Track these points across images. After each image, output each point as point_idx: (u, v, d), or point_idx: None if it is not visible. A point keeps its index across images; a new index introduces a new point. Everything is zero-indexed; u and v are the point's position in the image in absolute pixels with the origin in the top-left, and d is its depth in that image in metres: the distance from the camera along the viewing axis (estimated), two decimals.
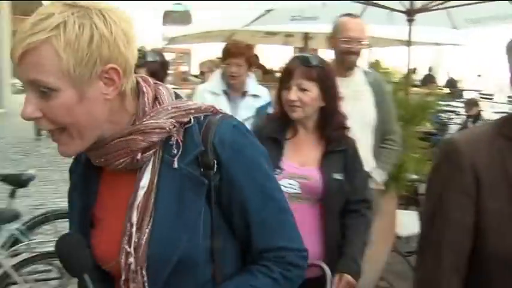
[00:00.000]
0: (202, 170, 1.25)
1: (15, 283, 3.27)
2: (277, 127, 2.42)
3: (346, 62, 3.15)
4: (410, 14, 5.81)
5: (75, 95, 1.12)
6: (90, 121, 1.17)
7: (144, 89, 1.26)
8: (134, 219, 1.23)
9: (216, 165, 1.25)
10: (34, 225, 3.88)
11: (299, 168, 2.35)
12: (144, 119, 1.23)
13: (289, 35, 12.33)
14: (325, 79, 2.35)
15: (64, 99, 1.12)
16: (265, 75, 12.62)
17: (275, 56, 21.76)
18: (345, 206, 2.39)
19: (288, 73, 2.36)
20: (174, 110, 1.26)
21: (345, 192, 2.36)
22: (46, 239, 3.69)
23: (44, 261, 3.68)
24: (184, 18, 28.52)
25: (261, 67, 14.22)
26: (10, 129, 12.78)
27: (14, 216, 3.66)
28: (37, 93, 1.12)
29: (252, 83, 3.81)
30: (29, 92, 1.13)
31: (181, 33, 13.47)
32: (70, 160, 1.42)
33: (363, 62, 3.42)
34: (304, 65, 2.32)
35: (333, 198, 2.34)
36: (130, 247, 1.22)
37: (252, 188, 1.29)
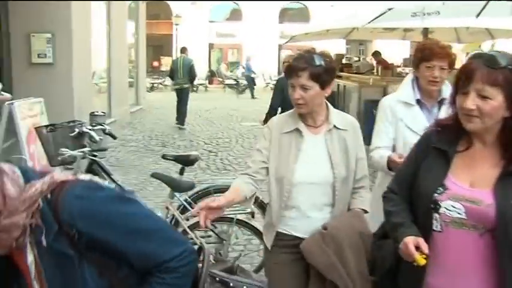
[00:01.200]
0: (69, 240, 1.49)
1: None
2: (447, 136, 2.06)
3: None
4: None
5: None
6: None
7: None
8: (36, 287, 1.56)
9: (76, 233, 1.49)
10: (198, 197, 4.61)
11: (468, 189, 1.96)
12: (6, 217, 1.44)
13: (408, 29, 12.48)
14: None
15: None
16: (384, 70, 12.87)
17: (393, 51, 21.81)
18: None
19: (466, 75, 1.93)
20: (22, 203, 1.45)
21: None
22: None
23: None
24: (302, 15, 29.18)
25: (382, 62, 14.46)
26: (148, 123, 14.19)
27: (190, 187, 4.47)
28: None
29: (448, 89, 3.02)
30: None
31: (302, 31, 14.04)
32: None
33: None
34: (489, 66, 1.89)
35: (510, 230, 1.89)
36: None
37: (115, 237, 1.52)
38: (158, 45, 30.14)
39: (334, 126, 2.66)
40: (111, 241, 1.51)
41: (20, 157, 5.93)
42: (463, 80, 1.94)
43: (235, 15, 31.07)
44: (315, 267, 2.50)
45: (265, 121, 8.36)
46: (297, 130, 2.65)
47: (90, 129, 5.18)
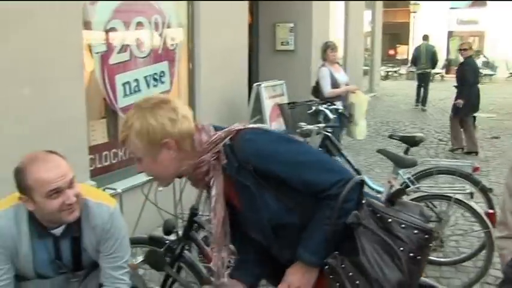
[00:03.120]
0: (249, 173, 1.89)
1: None
2: None
3: None
4: None
5: (150, 159, 1.92)
6: (164, 171, 1.95)
7: (195, 137, 1.93)
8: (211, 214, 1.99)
9: (253, 168, 1.87)
10: (420, 177, 4.81)
11: None
12: (199, 157, 1.92)
13: None
14: None
15: (146, 162, 1.93)
16: None
17: None
18: None
19: None
20: (208, 145, 1.92)
21: None
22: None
23: (424, 204, 4.61)
24: None
25: None
26: (380, 110, 14.48)
27: (412, 163, 4.70)
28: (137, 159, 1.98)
29: None
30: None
31: None
32: None
33: None
34: None
35: None
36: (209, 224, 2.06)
37: (280, 169, 1.87)
38: (395, 34, 29.97)
39: None
40: (278, 172, 1.88)
41: None
42: None
43: (479, 0, 29.31)
44: None
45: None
46: None
47: (325, 108, 5.72)
